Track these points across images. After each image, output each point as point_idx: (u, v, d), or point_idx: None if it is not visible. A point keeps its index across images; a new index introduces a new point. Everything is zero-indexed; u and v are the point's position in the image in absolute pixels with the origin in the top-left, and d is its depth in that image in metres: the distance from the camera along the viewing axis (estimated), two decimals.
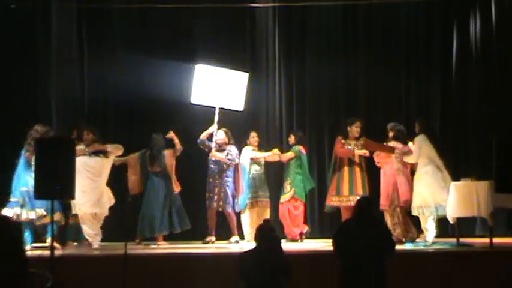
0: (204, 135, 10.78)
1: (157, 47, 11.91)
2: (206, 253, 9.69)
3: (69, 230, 10.28)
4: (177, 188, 10.67)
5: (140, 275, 8.24)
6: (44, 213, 9.40)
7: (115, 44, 11.96)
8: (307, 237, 11.02)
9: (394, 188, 10.23)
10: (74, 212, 9.89)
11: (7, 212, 9.28)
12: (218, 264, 8.53)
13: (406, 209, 10.30)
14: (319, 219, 11.57)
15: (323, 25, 12.27)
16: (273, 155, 11.13)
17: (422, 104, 12.12)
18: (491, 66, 11.78)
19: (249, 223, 10.96)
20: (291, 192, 10.99)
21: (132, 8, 12.00)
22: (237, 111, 10.77)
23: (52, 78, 11.52)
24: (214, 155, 10.69)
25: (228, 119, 11.40)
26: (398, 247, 8.40)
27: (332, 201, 10.39)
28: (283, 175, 11.21)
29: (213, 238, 10.74)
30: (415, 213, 10.09)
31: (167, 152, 10.72)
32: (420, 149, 9.99)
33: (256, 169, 11.04)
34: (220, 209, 10.74)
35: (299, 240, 10.86)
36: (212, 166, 10.79)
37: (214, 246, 10.41)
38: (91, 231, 9.92)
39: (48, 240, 9.02)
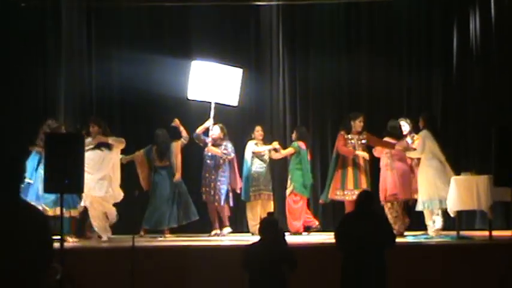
0: (199, 130, 10.85)
1: (163, 44, 11.98)
2: (211, 245, 9.76)
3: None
4: (178, 174, 10.73)
5: (147, 267, 8.31)
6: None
7: (123, 41, 11.99)
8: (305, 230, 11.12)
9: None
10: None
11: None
12: (224, 257, 8.60)
13: (407, 204, 10.44)
14: (323, 213, 11.63)
15: (326, 22, 12.28)
16: (273, 148, 11.17)
17: (423, 100, 12.13)
18: (491, 63, 11.80)
19: (252, 216, 11.04)
20: (290, 187, 11.10)
21: (140, 6, 12.02)
22: (232, 106, 10.80)
23: (61, 74, 11.56)
24: (211, 149, 10.75)
25: (232, 114, 11.57)
26: (399, 240, 8.51)
27: (336, 195, 10.40)
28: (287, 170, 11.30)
29: (218, 231, 10.82)
30: (419, 208, 10.16)
31: (174, 144, 10.80)
32: (424, 144, 10.05)
33: (259, 164, 11.10)
34: (216, 203, 10.80)
35: (302, 233, 10.93)
36: (208, 161, 10.86)
37: (219, 239, 10.48)
38: (95, 223, 9.98)
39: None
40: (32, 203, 4.81)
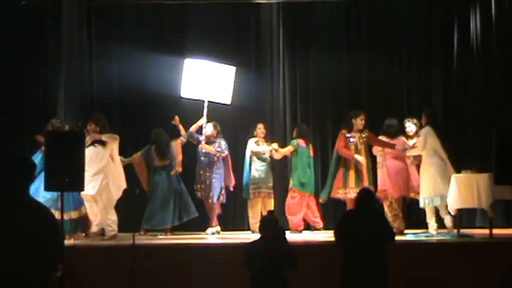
0: (193, 128, 10.84)
1: (163, 42, 11.93)
2: (212, 243, 9.75)
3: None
4: (178, 168, 10.72)
5: (148, 265, 8.28)
6: None
7: (123, 39, 11.95)
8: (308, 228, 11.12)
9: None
10: None
11: None
12: (224, 255, 8.57)
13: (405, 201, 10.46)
14: (324, 211, 11.59)
15: (326, 21, 12.25)
16: (272, 150, 11.16)
17: (423, 98, 12.10)
18: (492, 61, 11.77)
19: (253, 214, 11.02)
20: (290, 184, 11.08)
21: (140, 4, 11.99)
22: (225, 104, 10.77)
23: (61, 73, 11.51)
24: (204, 147, 10.73)
25: (233, 112, 11.62)
26: (400, 238, 8.50)
27: (338, 193, 10.35)
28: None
29: (218, 228, 10.81)
30: (422, 205, 10.16)
31: (174, 143, 10.78)
32: (426, 141, 10.03)
33: (259, 163, 11.09)
34: (209, 200, 10.78)
35: (303, 231, 10.92)
36: (202, 158, 10.85)
37: (220, 237, 10.46)
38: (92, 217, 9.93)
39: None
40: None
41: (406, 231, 10.23)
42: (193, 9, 12.02)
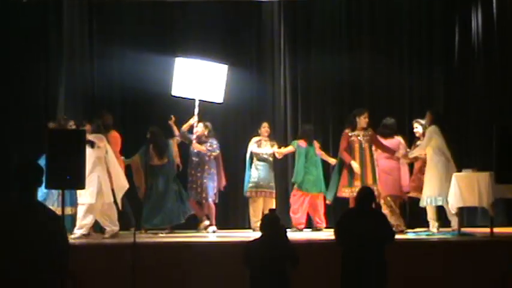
0: (184, 127, 10.78)
1: (164, 41, 11.87)
2: (213, 241, 9.72)
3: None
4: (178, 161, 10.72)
5: (148, 263, 8.25)
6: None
7: (124, 37, 11.89)
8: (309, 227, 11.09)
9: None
10: None
11: None
12: (225, 253, 8.53)
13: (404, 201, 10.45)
14: (330, 209, 11.54)
15: (327, 19, 12.24)
16: (273, 152, 11.13)
17: (425, 97, 12.09)
18: (493, 59, 11.75)
19: (254, 212, 11.00)
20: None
21: (142, 3, 11.93)
22: (217, 103, 10.72)
23: (62, 71, 11.49)
24: (196, 146, 10.69)
25: (234, 111, 11.74)
26: (400, 236, 8.46)
27: (344, 192, 10.30)
28: None
29: (207, 222, 10.76)
30: (423, 204, 10.16)
31: (172, 141, 10.75)
32: (430, 140, 10.01)
33: (260, 162, 11.07)
34: (203, 200, 10.76)
35: (303, 230, 10.90)
36: (194, 158, 10.80)
37: (221, 235, 10.41)
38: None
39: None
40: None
41: (407, 230, 10.18)
42: (194, 7, 11.95)
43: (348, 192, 10.22)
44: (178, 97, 10.61)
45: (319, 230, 10.90)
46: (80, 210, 9.65)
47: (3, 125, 11.11)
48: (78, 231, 9.57)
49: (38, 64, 11.61)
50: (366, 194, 7.08)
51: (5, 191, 9.01)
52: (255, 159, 11.07)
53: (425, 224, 10.36)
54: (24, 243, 4.35)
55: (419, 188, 10.26)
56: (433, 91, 12.12)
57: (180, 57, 10.70)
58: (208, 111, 11.08)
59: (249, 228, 11.08)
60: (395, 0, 12.17)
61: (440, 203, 9.97)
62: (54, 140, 7.81)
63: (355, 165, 10.21)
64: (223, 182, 11.02)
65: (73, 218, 9.90)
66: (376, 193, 9.25)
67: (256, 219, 10.71)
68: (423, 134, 10.40)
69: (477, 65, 11.88)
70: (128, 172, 10.57)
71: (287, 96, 12.23)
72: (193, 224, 10.97)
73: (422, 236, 9.83)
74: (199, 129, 10.75)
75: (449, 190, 9.69)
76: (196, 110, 10.55)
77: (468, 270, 8.45)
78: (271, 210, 7.99)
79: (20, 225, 4.38)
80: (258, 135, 11.19)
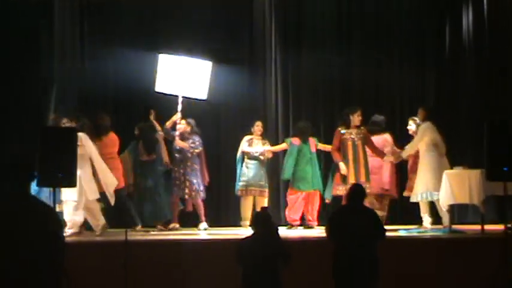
0: (168, 124, 10.72)
1: (155, 39, 11.77)
2: (206, 239, 9.68)
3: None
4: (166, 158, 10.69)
5: (140, 261, 8.18)
6: None
7: (116, 37, 11.83)
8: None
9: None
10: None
11: None
12: (218, 250, 8.48)
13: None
14: (320, 208, 11.51)
15: (318, 17, 12.23)
16: (261, 153, 11.08)
17: (415, 95, 12.12)
18: (484, 57, 11.76)
19: (243, 210, 10.99)
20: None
21: (133, 2, 11.89)
22: (201, 100, 10.65)
23: (54, 71, 11.40)
24: (178, 143, 10.64)
25: (226, 109, 11.85)
26: (392, 234, 8.43)
27: (338, 190, 10.28)
28: None
29: (177, 225, 10.70)
30: (413, 199, 10.19)
31: (158, 136, 10.72)
32: (423, 137, 10.05)
33: (250, 160, 11.04)
34: (186, 197, 10.69)
35: (298, 227, 10.87)
36: (176, 154, 10.74)
37: (213, 232, 10.36)
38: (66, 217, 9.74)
39: None
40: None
41: (398, 227, 10.15)
42: (186, 6, 11.90)
43: (342, 190, 10.19)
44: (161, 93, 10.52)
45: (311, 227, 10.84)
46: (66, 209, 9.57)
47: (2, 124, 11.01)
48: (69, 231, 9.49)
49: (32, 64, 11.48)
50: (357, 191, 7.08)
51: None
52: (245, 157, 11.02)
53: (418, 220, 10.34)
54: (22, 240, 4.30)
55: (412, 188, 10.27)
56: (424, 88, 12.15)
57: (163, 53, 10.61)
58: (200, 108, 11.08)
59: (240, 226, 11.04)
60: None
61: (434, 198, 9.97)
62: (46, 137, 7.76)
63: (343, 166, 10.20)
64: (207, 179, 10.95)
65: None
66: (368, 191, 9.23)
67: (245, 217, 10.75)
68: (416, 132, 10.38)
69: (468, 62, 11.91)
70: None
71: (278, 94, 12.23)
72: (187, 221, 10.89)
73: (414, 233, 9.80)
74: (182, 126, 10.68)
75: (441, 187, 9.67)
76: (179, 107, 10.48)
77: (459, 266, 8.44)
78: (263, 208, 7.98)
79: (16, 221, 4.33)
80: (251, 133, 11.13)
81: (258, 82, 12.14)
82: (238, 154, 11.10)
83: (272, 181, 11.43)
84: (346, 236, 6.65)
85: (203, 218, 10.76)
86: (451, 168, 9.94)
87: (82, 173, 9.37)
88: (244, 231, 10.22)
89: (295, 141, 11.02)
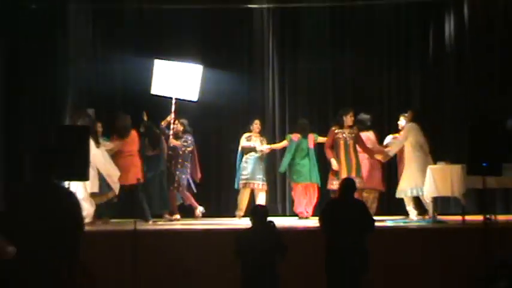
0: (163, 124, 10.79)
1: (159, 45, 11.74)
2: (208, 229, 9.64)
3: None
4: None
5: (149, 251, 8.18)
6: None
7: (124, 42, 11.84)
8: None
9: None
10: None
11: None
12: (225, 240, 8.42)
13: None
14: (318, 201, 11.51)
15: (313, 25, 12.23)
16: (264, 149, 11.10)
17: (402, 95, 12.16)
18: (465, 60, 11.79)
19: (240, 202, 11.00)
20: None
21: (140, 9, 11.91)
22: (192, 101, 10.70)
23: (69, 72, 11.39)
24: (172, 141, 10.70)
25: (227, 109, 11.83)
26: (379, 224, 8.44)
27: (333, 184, 10.29)
28: None
29: (178, 216, 10.72)
30: (400, 195, 10.26)
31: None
32: (407, 136, 10.12)
33: (249, 155, 11.02)
34: (175, 191, 10.75)
35: (298, 218, 10.93)
36: (170, 152, 10.79)
37: (216, 223, 10.37)
38: None
39: None
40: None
41: (385, 217, 10.17)
42: (188, 14, 11.94)
43: (336, 184, 10.21)
44: (157, 96, 10.57)
45: (305, 218, 10.85)
46: None
47: (18, 124, 11.00)
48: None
49: (45, 65, 11.43)
50: (348, 185, 7.12)
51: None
52: (245, 153, 11.04)
53: (404, 212, 10.39)
54: (49, 213, 4.55)
55: None
56: (410, 90, 12.18)
57: (158, 59, 10.66)
58: (204, 109, 11.27)
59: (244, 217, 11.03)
60: (375, 7, 12.16)
61: (420, 193, 10.02)
62: (61, 135, 7.79)
63: (334, 162, 10.29)
64: (199, 175, 10.99)
65: None
66: (358, 185, 9.24)
67: (240, 207, 10.88)
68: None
69: (451, 65, 11.92)
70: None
71: (276, 96, 12.29)
72: (187, 213, 10.93)
73: (400, 224, 9.84)
74: (176, 125, 10.72)
75: (425, 182, 9.72)
76: (173, 108, 10.52)
77: (442, 254, 8.49)
78: (260, 205, 7.96)
79: (44, 199, 4.61)
80: (250, 131, 11.16)
81: (257, 85, 12.22)
82: (240, 150, 11.10)
83: (269, 175, 11.42)
84: (338, 227, 6.67)
85: (195, 204, 10.82)
86: (434, 164, 9.99)
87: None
88: (238, 221, 10.47)
89: (295, 137, 11.07)
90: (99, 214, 10.06)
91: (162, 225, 10.16)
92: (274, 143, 11.58)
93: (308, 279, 8.04)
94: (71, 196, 4.83)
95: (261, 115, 11.80)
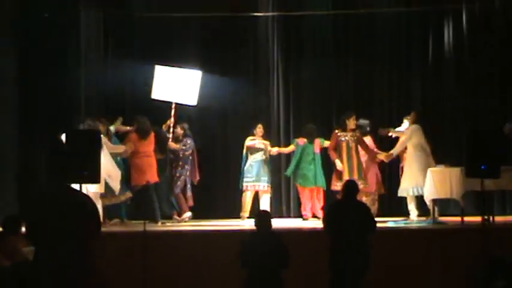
0: (164, 128, 10.76)
1: (168, 53, 11.68)
2: (217, 230, 9.59)
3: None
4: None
5: (159, 252, 8.11)
6: None
7: (134, 50, 11.86)
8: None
9: None
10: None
11: None
12: (232, 241, 8.35)
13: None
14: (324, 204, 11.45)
15: (316, 32, 12.24)
16: (274, 150, 11.08)
17: (404, 100, 12.14)
18: (464, 65, 11.75)
19: (244, 204, 10.91)
20: None
21: (150, 18, 11.88)
22: (191, 105, 10.67)
23: (81, 78, 11.36)
24: (171, 144, 10.68)
25: (233, 114, 11.90)
26: (381, 225, 8.38)
27: (336, 186, 10.27)
28: None
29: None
30: (402, 194, 10.20)
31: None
32: (411, 137, 10.06)
33: (253, 158, 10.95)
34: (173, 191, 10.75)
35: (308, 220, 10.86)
36: (171, 155, 10.77)
37: (226, 224, 10.31)
38: None
39: None
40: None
41: (386, 219, 10.11)
42: (196, 25, 11.95)
43: (339, 186, 10.15)
44: (157, 100, 10.54)
45: (306, 220, 10.79)
46: None
47: (33, 130, 10.96)
48: None
49: (58, 70, 11.37)
50: (351, 187, 7.10)
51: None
52: (249, 156, 10.96)
53: (405, 213, 10.33)
54: (62, 222, 4.50)
55: None
56: (411, 95, 12.16)
57: (158, 65, 10.63)
58: (210, 114, 11.36)
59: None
60: (377, 16, 12.15)
61: (417, 193, 9.99)
62: (73, 139, 7.73)
63: (338, 163, 10.25)
64: (197, 177, 10.93)
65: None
66: (360, 187, 9.16)
67: (244, 209, 10.77)
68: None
69: (450, 71, 11.90)
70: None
71: (280, 101, 12.28)
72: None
73: (401, 225, 9.78)
74: (176, 129, 10.70)
75: (425, 183, 9.68)
76: (172, 112, 10.49)
77: (442, 254, 8.43)
78: (264, 210, 7.87)
79: (61, 200, 4.59)
80: (253, 135, 11.11)
81: (262, 91, 12.21)
82: (244, 152, 11.05)
83: (274, 178, 11.37)
84: (341, 229, 6.62)
85: (186, 208, 10.68)
86: (434, 166, 9.94)
87: None
88: (242, 222, 10.41)
89: (301, 141, 11.02)
90: (115, 215, 10.05)
91: (171, 226, 10.11)
92: (280, 147, 11.53)
93: (311, 279, 7.98)
94: (90, 199, 4.82)
95: (266, 120, 11.79)
